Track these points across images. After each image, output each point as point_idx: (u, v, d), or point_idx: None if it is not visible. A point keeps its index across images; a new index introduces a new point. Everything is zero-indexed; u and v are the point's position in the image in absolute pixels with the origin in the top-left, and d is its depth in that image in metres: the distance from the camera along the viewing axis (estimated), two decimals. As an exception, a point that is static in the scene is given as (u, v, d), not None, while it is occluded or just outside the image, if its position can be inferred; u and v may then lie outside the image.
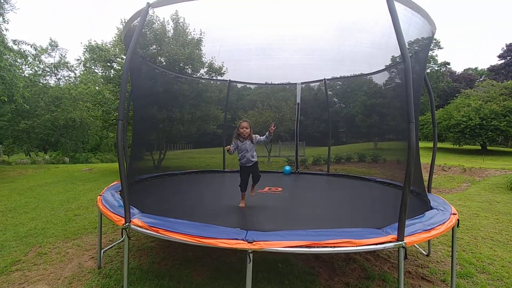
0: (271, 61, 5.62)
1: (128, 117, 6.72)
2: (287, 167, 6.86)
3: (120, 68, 11.29)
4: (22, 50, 13.62)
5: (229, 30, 4.74)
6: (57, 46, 17.53)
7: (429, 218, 2.76)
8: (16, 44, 12.69)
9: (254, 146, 3.75)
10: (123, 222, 2.62)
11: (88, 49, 12.01)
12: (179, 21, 10.77)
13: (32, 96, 14.16)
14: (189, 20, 9.85)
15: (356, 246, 2.20)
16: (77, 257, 3.72)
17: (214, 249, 3.42)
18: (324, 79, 7.15)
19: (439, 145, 25.78)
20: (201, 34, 10.46)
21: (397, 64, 5.55)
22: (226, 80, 8.02)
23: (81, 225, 4.96)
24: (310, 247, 2.18)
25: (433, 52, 40.60)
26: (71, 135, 16.77)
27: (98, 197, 3.51)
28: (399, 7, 2.44)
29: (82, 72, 19.38)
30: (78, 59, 18.83)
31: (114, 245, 3.99)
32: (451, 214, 2.92)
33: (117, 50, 11.53)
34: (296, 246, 2.18)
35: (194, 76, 10.85)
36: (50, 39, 17.25)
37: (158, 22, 10.34)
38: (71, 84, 17.31)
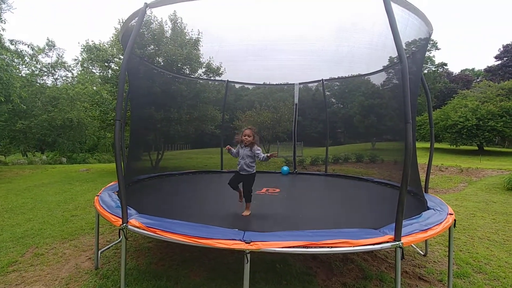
0: (269, 61, 5.63)
1: (126, 117, 6.72)
2: (285, 168, 6.87)
3: (118, 68, 11.27)
4: (19, 50, 13.58)
5: (227, 31, 4.74)
6: (54, 46, 17.45)
7: (426, 218, 2.77)
8: (13, 44, 12.65)
9: (252, 156, 3.64)
10: (120, 222, 2.62)
11: (85, 49, 11.96)
12: (177, 22, 10.76)
13: (29, 96, 14.11)
14: (187, 20, 9.84)
15: (354, 246, 2.21)
16: (74, 258, 3.71)
17: (212, 249, 3.42)
18: (322, 79, 7.17)
19: (436, 145, 25.88)
20: (199, 34, 10.46)
21: (395, 65, 5.57)
22: (224, 81, 8.02)
23: (78, 226, 4.94)
24: (307, 247, 2.18)
25: (430, 53, 40.78)
26: (68, 135, 16.72)
27: (96, 197, 3.50)
28: (396, 8, 2.45)
29: (79, 72, 19.31)
30: (75, 59, 18.75)
31: (112, 246, 3.98)
32: (447, 214, 2.94)
33: (114, 50, 11.50)
34: (293, 247, 2.19)
35: (192, 76, 10.84)
36: (47, 39, 17.18)
37: (156, 22, 10.33)
38: (69, 84, 17.24)
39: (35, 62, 16.01)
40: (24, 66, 15.24)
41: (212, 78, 11.20)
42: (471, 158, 17.99)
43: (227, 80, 7.75)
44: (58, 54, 17.71)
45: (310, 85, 10.11)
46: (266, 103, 16.05)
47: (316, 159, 13.54)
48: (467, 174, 10.71)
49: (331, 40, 4.87)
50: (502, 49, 39.75)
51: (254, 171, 3.71)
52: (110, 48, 11.63)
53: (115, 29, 11.83)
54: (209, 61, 10.86)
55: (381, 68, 5.86)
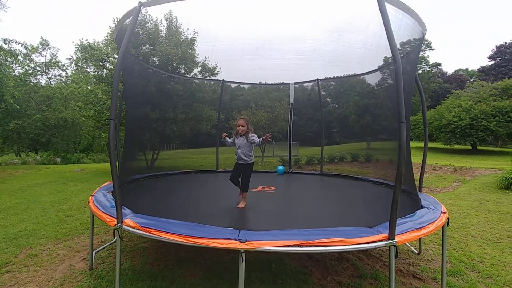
0: (265, 61, 5.64)
1: (121, 117, 6.69)
2: (280, 167, 6.88)
3: (112, 67, 11.19)
4: (13, 49, 13.41)
5: (223, 30, 4.73)
6: (48, 45, 17.27)
7: (420, 217, 2.80)
8: (6, 43, 12.49)
9: (249, 145, 3.79)
10: (115, 222, 2.60)
11: (79, 48, 11.87)
12: (172, 21, 10.72)
13: (22, 95, 13.95)
14: (182, 19, 9.82)
15: (348, 245, 2.22)
16: (69, 259, 3.68)
17: (207, 249, 3.41)
18: (317, 79, 7.19)
19: (431, 145, 26.09)
20: (194, 33, 10.44)
21: (389, 65, 5.61)
22: (220, 80, 8.01)
23: (73, 226, 4.90)
24: (302, 246, 2.19)
25: (424, 53, 41.11)
26: (62, 135, 16.56)
27: (90, 197, 3.48)
28: (390, 8, 2.47)
29: (73, 72, 19.14)
30: (69, 58, 18.58)
31: (106, 246, 3.96)
32: (441, 213, 2.97)
33: (109, 49, 11.42)
34: (288, 246, 2.19)
35: (188, 76, 10.81)
36: (41, 38, 16.99)
37: (151, 22, 10.27)
38: (63, 84, 17.07)
39: (28, 61, 15.84)
40: (17, 65, 15.07)
41: (207, 78, 11.18)
42: (464, 158, 18.17)
43: (223, 79, 7.74)
44: (52, 53, 17.53)
45: (305, 84, 10.14)
46: (261, 102, 16.06)
47: (312, 159, 13.59)
48: (461, 173, 10.81)
49: (327, 40, 4.89)
50: (495, 49, 40.21)
51: (252, 160, 3.88)
52: (104, 47, 11.55)
53: (110, 28, 11.75)
54: (205, 60, 10.84)
55: (376, 68, 5.90)
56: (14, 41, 12.97)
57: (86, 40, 11.79)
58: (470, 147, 23.36)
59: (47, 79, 17.94)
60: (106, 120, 11.55)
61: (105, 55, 11.18)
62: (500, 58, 39.40)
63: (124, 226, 2.58)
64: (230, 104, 16.43)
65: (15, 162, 18.11)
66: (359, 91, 16.56)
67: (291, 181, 6.24)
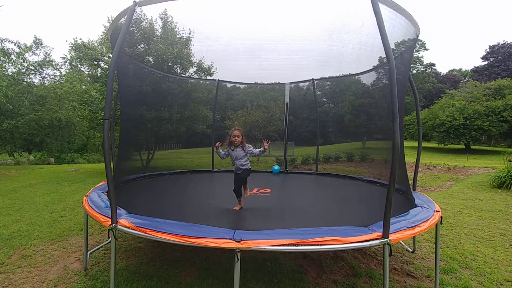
0: (261, 61, 5.64)
1: (116, 116, 6.65)
2: (276, 167, 6.89)
3: (107, 67, 11.11)
4: (6, 48, 13.26)
5: (218, 30, 4.72)
6: (41, 44, 17.13)
7: (414, 216, 2.83)
8: (-1, 42, 12.34)
9: (245, 155, 3.74)
10: (110, 222, 2.59)
11: (74, 47, 11.77)
12: (167, 20, 10.67)
13: (15, 95, 13.81)
14: (177, 19, 9.77)
15: (343, 244, 2.24)
16: (63, 259, 3.66)
17: (203, 249, 3.42)
18: (313, 79, 7.22)
19: (425, 144, 26.34)
20: (190, 33, 10.39)
21: (384, 65, 5.65)
22: (215, 80, 7.99)
23: (67, 227, 4.87)
24: (297, 245, 2.21)
25: (419, 53, 41.43)
26: (56, 135, 16.41)
27: (84, 197, 3.46)
28: (383, 9, 2.49)
29: (67, 71, 18.99)
30: (63, 57, 18.44)
31: (101, 247, 3.94)
32: (434, 212, 3.00)
33: (104, 48, 11.34)
34: (283, 245, 2.20)
35: (183, 75, 10.77)
36: (35, 37, 16.85)
37: (146, 21, 10.22)
38: (56, 83, 16.92)
39: (22, 61, 15.67)
40: (10, 64, 14.90)
41: (203, 78, 11.15)
42: (458, 157, 18.35)
43: (218, 79, 7.73)
44: (46, 52, 17.38)
45: (301, 84, 10.16)
46: (257, 102, 16.07)
47: (307, 158, 13.62)
48: (455, 172, 10.92)
49: (322, 40, 4.90)
50: (488, 49, 40.69)
51: (249, 166, 3.83)
52: (99, 47, 11.46)
53: (104, 27, 11.68)
54: (201, 60, 10.80)
55: (371, 68, 5.94)
56: (7, 40, 12.83)
57: (80, 39, 11.70)
58: (463, 147, 23.62)
59: (40, 78, 17.78)
60: (101, 120, 11.47)
61: (99, 54, 11.09)
62: (493, 59, 39.87)
63: (119, 226, 2.57)
64: (226, 103, 16.44)
65: (8, 162, 17.91)
66: (354, 91, 16.63)
67: (287, 180, 6.26)
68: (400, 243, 4.16)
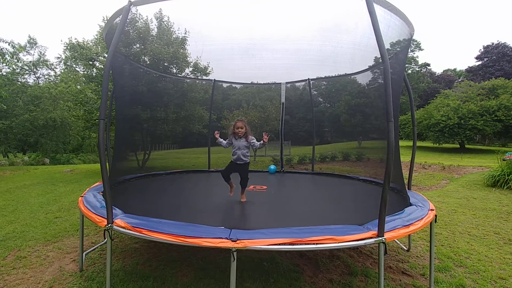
0: (256, 61, 5.64)
1: (111, 117, 6.62)
2: (272, 166, 6.90)
3: (102, 67, 11.06)
4: (0, 48, 13.14)
5: (213, 29, 4.73)
6: (36, 43, 17.02)
7: (408, 214, 2.85)
8: (-7, 42, 12.23)
9: (247, 146, 3.85)
10: (106, 223, 2.58)
11: (68, 47, 11.70)
12: (163, 20, 10.64)
13: (9, 95, 13.70)
14: (173, 19, 9.75)
15: (338, 242, 2.25)
16: (58, 260, 3.64)
17: (200, 248, 3.41)
18: (308, 79, 7.23)
19: (420, 143, 26.52)
20: (185, 33, 10.37)
21: (379, 65, 5.68)
22: (211, 80, 7.99)
23: (62, 228, 4.84)
24: (293, 244, 2.21)
25: (414, 53, 41.74)
26: (51, 135, 16.31)
27: (80, 198, 3.44)
28: (378, 9, 2.51)
29: (62, 71, 18.87)
30: (58, 57, 18.31)
31: (97, 247, 3.92)
32: (429, 210, 3.02)
33: (99, 48, 11.28)
34: (279, 244, 2.21)
35: (179, 75, 10.74)
36: (29, 36, 16.73)
37: (142, 21, 10.18)
38: (51, 83, 16.81)
39: (16, 60, 15.55)
40: (4, 64, 14.77)
41: (199, 77, 11.12)
42: (453, 156, 18.50)
43: (214, 79, 7.72)
44: (40, 52, 17.28)
45: (297, 84, 10.20)
46: (253, 102, 16.10)
47: (304, 158, 13.65)
48: (449, 171, 11.01)
49: (317, 40, 4.93)
50: (482, 49, 41.11)
51: (249, 160, 3.94)
52: (94, 46, 11.40)
53: (99, 26, 11.62)
54: (197, 60, 10.78)
55: (366, 68, 5.97)
56: (1, 39, 12.71)
57: (75, 38, 11.64)
58: (458, 146, 23.82)
59: (35, 78, 17.67)
60: (96, 120, 11.41)
61: (94, 54, 11.04)
62: (487, 59, 40.29)
63: (114, 227, 2.56)
64: (222, 103, 16.42)
65: (2, 163, 17.71)
66: (350, 91, 16.69)
67: (283, 180, 6.27)
68: (396, 241, 4.20)
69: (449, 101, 23.18)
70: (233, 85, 12.29)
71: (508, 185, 7.72)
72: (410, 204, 3.26)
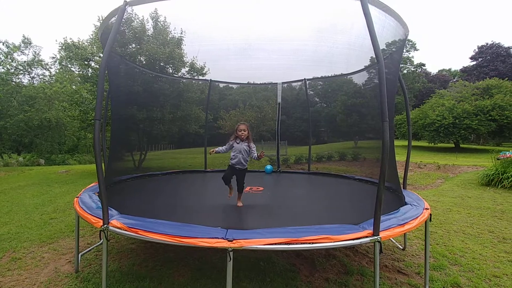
0: (252, 61, 5.66)
1: (107, 117, 6.59)
2: (268, 166, 6.90)
3: (98, 67, 11.00)
4: (-7, 48, 13.04)
5: (210, 30, 4.73)
6: (30, 43, 16.88)
7: (403, 213, 2.87)
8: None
9: (248, 151, 3.75)
10: (101, 223, 2.57)
11: (63, 47, 11.63)
12: (158, 20, 10.62)
13: (4, 95, 13.59)
14: (169, 19, 9.73)
15: (334, 241, 2.26)
16: (54, 262, 3.61)
17: (196, 249, 3.42)
18: (304, 79, 7.25)
19: (416, 143, 26.70)
20: (181, 33, 10.36)
21: (375, 65, 5.71)
22: (208, 80, 7.98)
23: (58, 229, 4.81)
24: (289, 244, 2.22)
25: (409, 53, 41.98)
26: (46, 136, 16.20)
27: (75, 199, 3.42)
28: (373, 10, 2.53)
29: (57, 71, 18.74)
30: (53, 57, 18.18)
31: (93, 248, 3.90)
32: (424, 209, 3.05)
33: (94, 48, 11.22)
34: (275, 244, 2.22)
35: (175, 75, 10.72)
36: (23, 36, 16.57)
37: (138, 20, 10.15)
38: (46, 83, 16.69)
39: (10, 60, 15.44)
40: (-2, 64, 14.68)
41: (195, 78, 11.11)
42: (448, 155, 18.65)
43: (210, 79, 7.71)
44: (35, 52, 17.16)
45: (293, 84, 10.22)
46: (250, 102, 16.10)
47: (300, 158, 13.68)
48: (444, 170, 11.10)
49: (314, 40, 4.94)
50: (477, 50, 41.47)
51: (247, 165, 3.86)
52: (89, 46, 11.34)
53: (95, 26, 11.56)
54: (193, 60, 10.77)
55: (362, 68, 6.00)
56: (-5, 39, 12.61)
57: (70, 38, 11.58)
58: (453, 145, 24.02)
59: (29, 78, 17.54)
60: (92, 121, 11.34)
61: (90, 54, 10.98)
62: (481, 59, 40.65)
63: (110, 227, 2.55)
64: (219, 104, 16.41)
65: (-4, 164, 17.57)
66: (346, 91, 16.74)
67: (279, 180, 6.28)
68: (391, 240, 4.22)
69: (444, 101, 23.38)
70: (230, 85, 12.30)
71: (502, 184, 7.81)
72: (405, 203, 3.28)
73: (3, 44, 13.76)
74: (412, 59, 43.23)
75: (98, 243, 4.03)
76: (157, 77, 9.52)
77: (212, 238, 2.23)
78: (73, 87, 15.14)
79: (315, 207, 4.06)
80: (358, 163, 12.92)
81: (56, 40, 13.29)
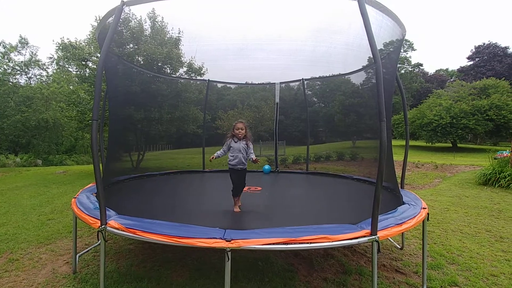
0: (249, 61, 5.66)
1: (105, 117, 6.58)
2: (267, 166, 6.90)
3: (95, 67, 10.97)
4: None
5: (208, 30, 4.72)
6: (27, 43, 16.80)
7: (401, 213, 2.88)
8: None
9: (246, 150, 3.64)
10: (99, 224, 2.56)
11: (61, 47, 11.57)
12: (156, 20, 10.59)
13: (1, 96, 13.52)
14: (166, 19, 9.70)
15: (332, 241, 2.27)
16: (51, 263, 3.60)
17: (195, 249, 3.41)
18: (302, 79, 7.26)
19: (413, 143, 26.78)
20: (179, 33, 10.34)
21: (372, 65, 5.72)
22: (205, 80, 7.97)
23: (55, 230, 4.79)
24: (287, 243, 2.22)
25: (407, 53, 42.15)
26: (43, 136, 16.12)
27: (73, 199, 3.41)
28: (370, 10, 2.54)
29: (55, 71, 18.67)
30: (50, 57, 18.10)
31: (90, 249, 3.89)
32: (421, 209, 3.06)
33: (92, 48, 11.19)
34: (273, 243, 2.22)
35: (173, 75, 10.70)
36: (20, 36, 16.49)
37: (135, 20, 10.12)
38: (43, 83, 16.62)
39: (7, 60, 15.36)
40: (-5, 64, 14.61)
41: (193, 78, 11.09)
42: (445, 155, 18.72)
43: (208, 79, 7.71)
44: (32, 52, 17.07)
45: (291, 84, 10.23)
46: (248, 102, 16.11)
47: (298, 158, 13.68)
48: (442, 170, 11.15)
49: (311, 40, 4.95)
50: (474, 50, 41.69)
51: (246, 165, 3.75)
52: (87, 46, 11.30)
53: (92, 26, 11.52)
54: (191, 60, 10.75)
55: (359, 68, 6.01)
56: (-9, 39, 12.54)
57: (68, 38, 11.52)
58: (450, 145, 24.12)
59: (26, 78, 17.45)
60: (89, 121, 11.31)
61: (87, 54, 10.94)
62: (478, 59, 40.84)
63: (108, 228, 2.54)
64: (217, 104, 16.39)
65: (-7, 164, 17.49)
66: (344, 91, 16.77)
67: (277, 180, 6.28)
68: (389, 240, 4.23)
69: (442, 100, 23.48)
70: (228, 85, 12.30)
71: (500, 183, 7.85)
72: (403, 203, 3.29)
73: (0, 45, 13.69)
74: (409, 59, 43.42)
75: (96, 244, 4.02)
76: (155, 77, 9.50)
77: (210, 238, 2.23)
78: (71, 87, 15.10)
79: (313, 207, 4.06)
80: (356, 163, 12.93)
81: (53, 40, 13.26)
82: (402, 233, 3.83)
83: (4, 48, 14.47)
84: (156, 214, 3.13)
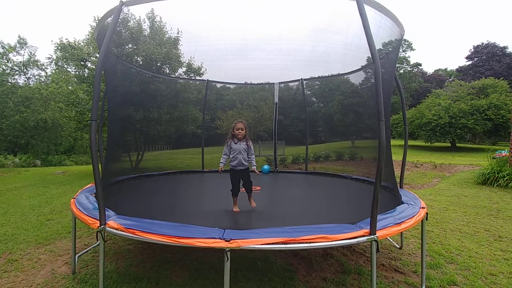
0: (248, 61, 5.66)
1: (104, 117, 6.57)
2: (266, 166, 6.90)
3: (94, 67, 10.96)
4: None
5: (206, 30, 4.72)
6: (26, 43, 16.76)
7: (400, 212, 2.89)
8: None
9: (246, 150, 3.63)
10: (98, 224, 2.56)
11: (59, 47, 11.56)
12: (155, 20, 10.58)
13: (-1, 96, 13.49)
14: (165, 19, 9.70)
15: (331, 241, 2.27)
16: (50, 263, 3.60)
17: (194, 249, 3.41)
18: (301, 79, 7.26)
19: (412, 142, 26.81)
20: (178, 33, 10.33)
21: (371, 65, 5.73)
22: (205, 80, 7.97)
23: (54, 230, 4.78)
24: (286, 243, 2.23)
25: (405, 53, 42.20)
26: (42, 136, 16.11)
27: (72, 200, 3.40)
28: (369, 10, 2.54)
29: (53, 71, 18.63)
30: (49, 58, 18.06)
31: (90, 249, 3.89)
32: (420, 208, 3.07)
33: (91, 48, 11.17)
34: (273, 243, 2.22)
35: (172, 76, 10.70)
36: (19, 36, 16.46)
37: (134, 21, 10.11)
38: (42, 84, 16.59)
39: (6, 61, 15.34)
40: (-7, 65, 14.58)
41: (192, 78, 11.09)
42: (444, 155, 18.76)
43: (207, 79, 7.71)
44: (30, 52, 17.04)
45: (290, 84, 10.23)
46: (247, 102, 16.11)
47: (297, 158, 13.70)
48: (441, 169, 11.16)
49: (310, 40, 4.96)
50: (472, 49, 41.75)
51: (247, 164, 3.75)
52: (86, 47, 11.29)
53: (91, 26, 11.50)
54: (190, 61, 10.74)
55: (359, 67, 6.02)
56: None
57: (66, 39, 11.51)
58: (449, 145, 24.17)
59: (25, 79, 17.42)
60: (88, 121, 11.31)
61: (86, 55, 10.93)
62: (477, 58, 40.92)
63: (107, 228, 2.54)
64: (216, 104, 16.40)
65: (-8, 165, 17.45)
66: (343, 91, 16.80)
67: (276, 180, 6.29)
68: (388, 239, 4.24)
69: (440, 100, 23.54)
70: (227, 85, 12.30)
71: (498, 182, 7.86)
72: (402, 202, 3.30)
73: (-2, 45, 13.69)
74: (408, 59, 43.46)
75: (95, 244, 4.01)
76: (154, 78, 9.50)
77: (210, 238, 2.23)
78: (69, 87, 15.07)
79: (312, 207, 4.07)
80: (355, 162, 12.96)
81: (52, 41, 13.24)
82: (401, 232, 3.85)
83: (2, 48, 14.45)
84: (155, 214, 3.12)
